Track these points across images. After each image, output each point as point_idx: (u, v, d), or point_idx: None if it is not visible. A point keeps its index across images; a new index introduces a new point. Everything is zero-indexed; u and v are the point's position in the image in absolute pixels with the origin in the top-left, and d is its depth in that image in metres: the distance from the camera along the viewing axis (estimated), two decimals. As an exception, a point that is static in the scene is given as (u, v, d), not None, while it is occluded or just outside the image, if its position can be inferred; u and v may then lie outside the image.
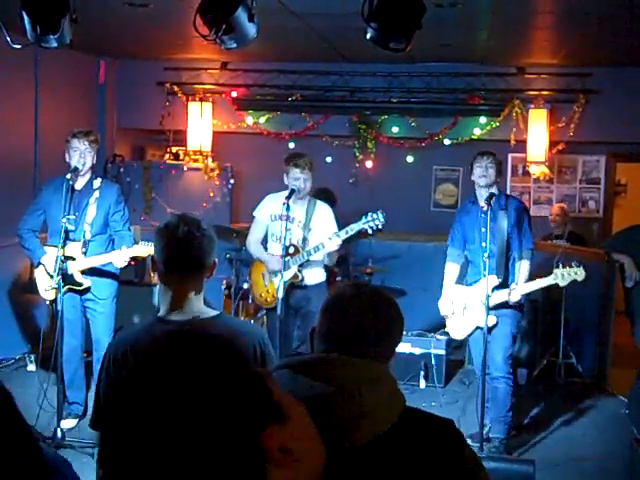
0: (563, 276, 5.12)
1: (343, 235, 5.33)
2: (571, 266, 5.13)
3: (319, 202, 5.69)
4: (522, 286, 5.17)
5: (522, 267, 5.25)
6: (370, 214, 5.33)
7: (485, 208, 5.02)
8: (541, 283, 5.23)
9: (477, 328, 5.25)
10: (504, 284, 5.14)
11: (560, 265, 5.18)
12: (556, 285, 5.18)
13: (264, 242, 5.80)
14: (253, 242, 5.79)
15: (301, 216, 5.58)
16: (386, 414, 1.70)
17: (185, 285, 2.53)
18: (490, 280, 5.02)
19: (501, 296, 5.12)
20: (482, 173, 5.26)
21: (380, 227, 5.35)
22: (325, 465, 1.58)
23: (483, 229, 5.11)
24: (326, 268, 5.73)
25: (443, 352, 6.63)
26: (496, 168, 5.30)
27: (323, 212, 5.64)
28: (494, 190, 5.25)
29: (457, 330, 5.45)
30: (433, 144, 8.53)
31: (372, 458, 1.66)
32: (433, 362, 6.62)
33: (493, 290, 5.04)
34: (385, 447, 1.66)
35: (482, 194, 5.28)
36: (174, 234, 2.51)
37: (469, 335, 5.40)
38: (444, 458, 1.70)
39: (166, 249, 2.53)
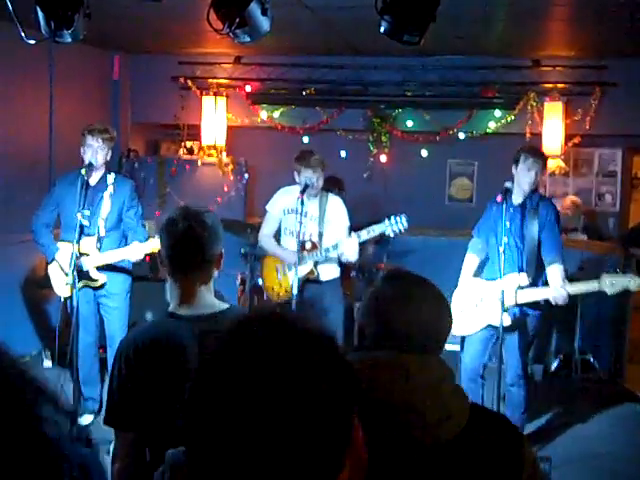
0: (613, 284, 4.67)
1: (364, 235, 5.31)
2: (625, 274, 4.72)
3: (331, 195, 5.69)
4: (569, 287, 4.81)
5: (557, 271, 4.93)
6: (394, 217, 5.29)
7: (501, 201, 4.86)
8: (585, 287, 4.87)
9: (488, 328, 5.05)
10: (533, 286, 4.94)
11: (612, 270, 4.80)
12: (604, 293, 4.75)
13: (276, 236, 5.80)
14: (265, 236, 5.79)
15: (314, 210, 5.57)
16: (464, 413, 1.73)
17: (192, 279, 2.53)
18: (520, 278, 4.92)
19: (535, 294, 4.91)
20: (530, 180, 4.91)
21: (403, 230, 5.31)
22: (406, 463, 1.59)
23: (507, 224, 4.87)
24: (340, 263, 5.71)
25: (458, 348, 6.60)
26: (543, 171, 5.02)
27: (336, 205, 5.63)
28: (532, 189, 5.02)
29: (464, 325, 5.20)
30: (448, 138, 8.48)
31: (451, 455, 1.68)
32: (446, 358, 6.60)
33: (521, 288, 4.89)
34: (461, 445, 1.68)
35: (520, 192, 5.00)
36: (174, 229, 2.52)
37: (473, 333, 5.18)
38: (507, 458, 1.71)
39: (168, 245, 2.54)
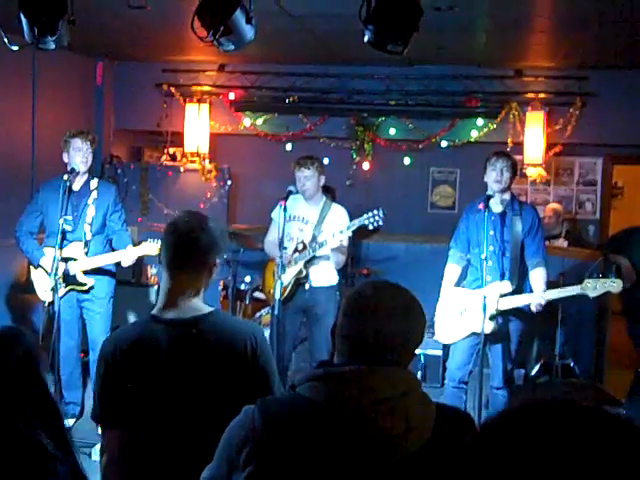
0: (595, 287, 4.78)
1: (345, 231, 5.39)
2: (606, 277, 4.82)
3: (335, 204, 5.76)
4: (548, 293, 4.90)
5: (540, 274, 5.01)
6: (371, 211, 5.38)
7: (483, 208, 4.89)
8: (568, 292, 4.94)
9: (472, 335, 5.08)
10: (518, 292, 5.00)
11: (594, 275, 4.86)
12: (585, 296, 4.87)
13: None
14: (268, 242, 5.85)
15: (314, 217, 5.64)
16: (429, 423, 1.74)
17: (183, 281, 2.55)
18: (503, 286, 4.98)
19: (515, 301, 4.96)
20: (497, 178, 4.98)
21: (381, 223, 5.38)
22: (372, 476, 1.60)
23: (491, 232, 4.97)
24: (339, 271, 5.77)
25: (440, 353, 6.65)
26: (512, 171, 5.02)
27: (338, 214, 5.69)
28: (506, 195, 5.07)
29: (448, 334, 5.26)
30: (430, 146, 8.54)
31: (418, 467, 1.70)
32: (430, 363, 6.65)
33: (506, 295, 4.95)
34: (427, 455, 1.70)
35: (495, 198, 5.06)
36: (177, 230, 2.56)
37: (459, 340, 5.22)
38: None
39: (168, 245, 2.57)
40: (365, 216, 5.38)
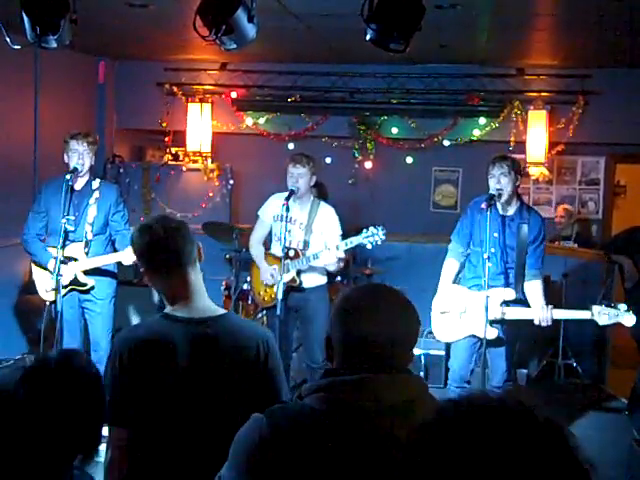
0: (606, 316, 4.75)
1: (342, 247, 5.29)
2: (617, 308, 4.77)
3: (323, 204, 5.65)
4: (556, 312, 4.87)
5: (538, 287, 4.97)
6: (371, 228, 5.26)
7: (485, 208, 4.82)
8: (577, 315, 4.95)
9: (472, 336, 5.05)
10: (519, 300, 4.97)
11: (603, 304, 4.83)
12: (594, 322, 4.85)
13: (268, 241, 5.79)
14: (255, 242, 5.78)
15: (303, 218, 5.55)
16: None
17: (180, 278, 2.56)
18: (506, 293, 4.96)
19: (521, 313, 4.93)
20: (496, 185, 4.89)
21: (379, 242, 5.28)
22: None
23: (495, 234, 4.91)
24: (327, 271, 5.71)
25: (443, 353, 6.64)
26: (513, 175, 4.88)
27: (326, 214, 5.59)
28: (515, 201, 4.99)
29: (446, 332, 5.21)
30: (432, 145, 8.53)
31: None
32: (433, 363, 6.64)
33: (508, 304, 4.92)
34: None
35: (502, 203, 4.99)
36: (154, 232, 2.56)
37: (457, 340, 5.19)
38: None
39: (150, 248, 2.57)
40: (364, 234, 5.23)
